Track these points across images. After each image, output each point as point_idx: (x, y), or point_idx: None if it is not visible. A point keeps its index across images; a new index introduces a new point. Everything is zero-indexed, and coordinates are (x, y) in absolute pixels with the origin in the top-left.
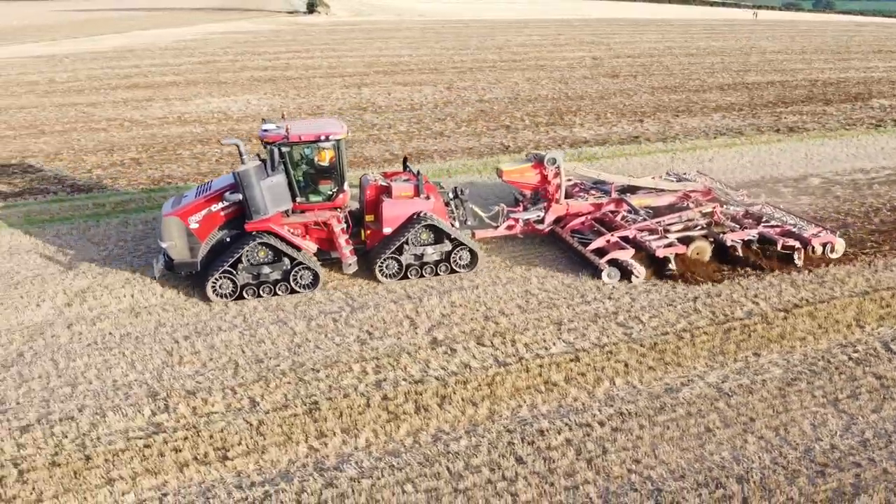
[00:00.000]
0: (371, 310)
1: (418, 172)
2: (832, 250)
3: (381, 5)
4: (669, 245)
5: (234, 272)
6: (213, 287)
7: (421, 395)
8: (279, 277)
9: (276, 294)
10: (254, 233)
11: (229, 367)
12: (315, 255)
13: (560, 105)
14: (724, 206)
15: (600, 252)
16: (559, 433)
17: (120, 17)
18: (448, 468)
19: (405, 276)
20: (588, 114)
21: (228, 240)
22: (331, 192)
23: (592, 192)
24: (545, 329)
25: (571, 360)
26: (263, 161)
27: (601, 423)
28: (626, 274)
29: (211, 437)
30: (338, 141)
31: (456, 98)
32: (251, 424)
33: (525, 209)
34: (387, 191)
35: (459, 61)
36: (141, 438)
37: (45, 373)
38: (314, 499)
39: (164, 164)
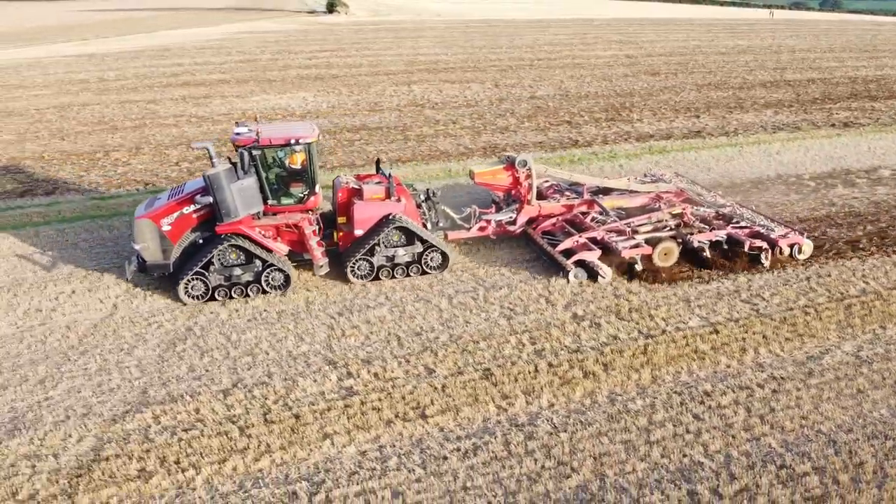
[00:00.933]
0: (504, 289)
1: (389, 175)
2: (800, 251)
3: (396, 5)
4: (636, 246)
5: (206, 274)
6: (185, 288)
7: (583, 362)
8: (251, 279)
9: (247, 295)
10: (225, 235)
11: (392, 339)
12: (287, 256)
13: (612, 102)
14: (695, 208)
15: (569, 253)
16: (723, 395)
17: (142, 17)
18: (634, 424)
19: (377, 278)
20: (642, 110)
21: (201, 242)
22: (302, 195)
23: (567, 193)
24: (675, 306)
25: (711, 333)
26: (234, 164)
27: (760, 386)
28: (592, 274)
29: (403, 398)
30: (308, 144)
31: (507, 95)
32: (435, 388)
33: (497, 211)
34: (358, 193)
35: (496, 60)
36: (339, 399)
37: (220, 344)
38: (521, 448)
39: None
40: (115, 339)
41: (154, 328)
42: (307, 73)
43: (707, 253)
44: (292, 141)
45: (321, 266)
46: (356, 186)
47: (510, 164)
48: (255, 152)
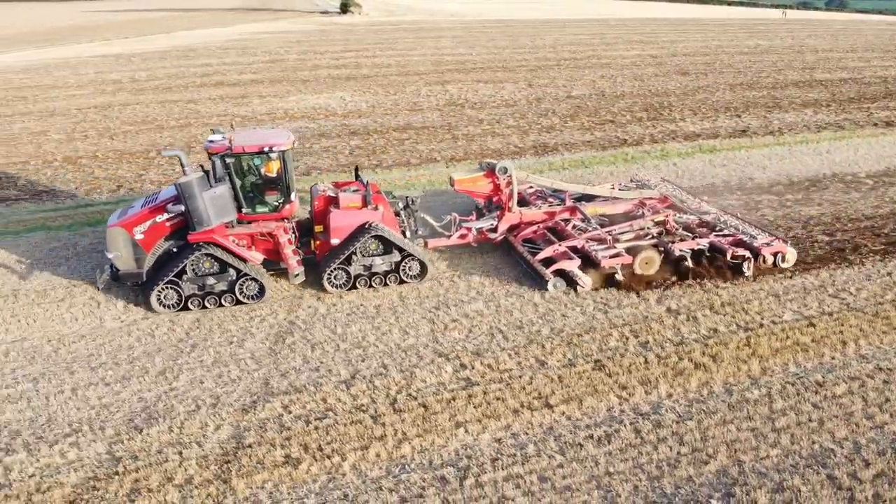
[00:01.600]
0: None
1: (367, 183)
2: (783, 260)
3: (407, 5)
4: (616, 255)
5: (179, 283)
6: (158, 297)
7: (690, 354)
8: (225, 288)
9: (221, 305)
10: (198, 244)
11: (495, 332)
12: (263, 264)
13: (650, 101)
14: (678, 215)
15: (549, 261)
16: (836, 385)
17: (156, 18)
18: (756, 412)
19: (353, 287)
20: (682, 109)
21: (175, 250)
22: (277, 203)
23: (551, 199)
24: (766, 300)
25: (808, 326)
26: (207, 172)
27: (870, 377)
28: (571, 284)
29: (524, 388)
30: (283, 152)
31: (543, 95)
32: (552, 379)
33: (478, 218)
34: (335, 201)
35: (523, 60)
36: (461, 390)
37: (327, 338)
38: (653, 436)
39: (303, 157)
40: (221, 333)
41: (257, 322)
42: (338, 73)
43: (688, 262)
44: (266, 148)
45: (296, 275)
46: (333, 194)
47: (490, 171)
48: (228, 160)
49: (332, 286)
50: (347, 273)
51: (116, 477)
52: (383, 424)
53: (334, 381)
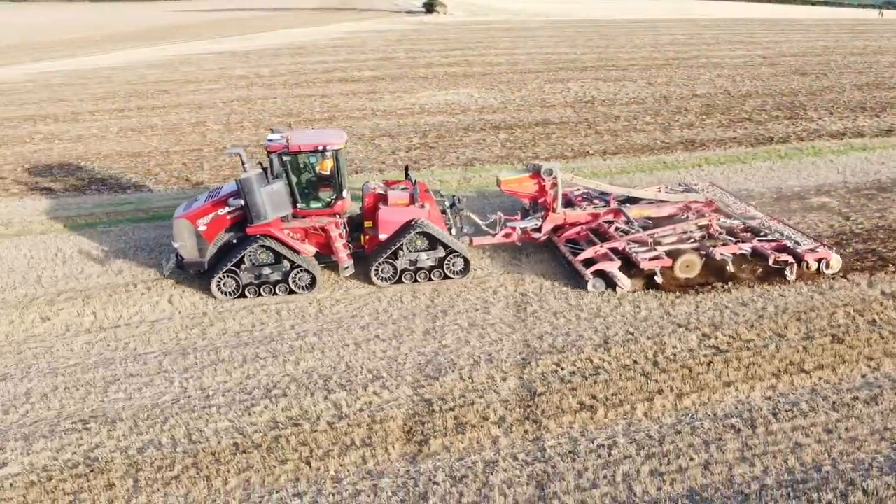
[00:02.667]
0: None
1: (415, 182)
2: (827, 266)
3: (488, 5)
4: (655, 258)
5: (238, 272)
6: (218, 285)
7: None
8: (279, 278)
9: (275, 294)
10: (255, 236)
11: (722, 308)
12: (315, 257)
13: (779, 101)
14: (722, 219)
15: (590, 262)
16: None
17: (247, 18)
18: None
19: (399, 280)
20: (816, 108)
21: (234, 242)
22: (329, 199)
23: (596, 201)
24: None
25: None
26: (265, 169)
27: None
28: (611, 284)
29: (773, 355)
30: (336, 151)
31: (669, 93)
32: (797, 349)
33: (523, 217)
34: (384, 198)
35: (629, 59)
36: (714, 355)
37: (564, 308)
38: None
39: (459, 149)
40: (462, 302)
41: (491, 293)
42: (453, 70)
43: (730, 266)
44: (320, 147)
45: (346, 268)
46: (382, 192)
47: (536, 173)
48: (284, 158)
49: (379, 279)
50: (394, 267)
51: (437, 414)
52: (656, 381)
53: (590, 344)
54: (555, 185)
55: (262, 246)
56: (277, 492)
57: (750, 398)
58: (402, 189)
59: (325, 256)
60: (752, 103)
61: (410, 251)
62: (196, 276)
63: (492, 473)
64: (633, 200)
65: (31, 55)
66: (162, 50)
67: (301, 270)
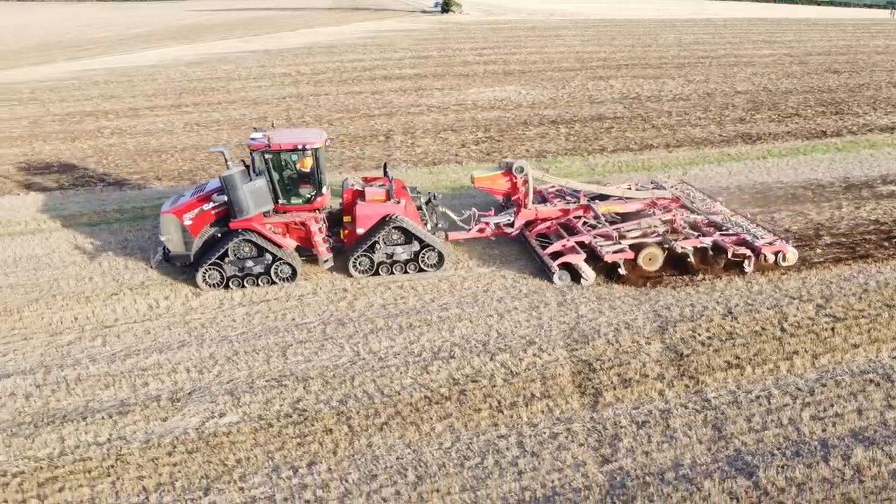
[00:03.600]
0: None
1: (392, 178)
2: (784, 259)
3: (502, 5)
4: (619, 251)
5: (222, 264)
6: (203, 277)
7: None
8: (261, 270)
9: (257, 285)
10: (238, 230)
11: (825, 284)
12: (296, 250)
13: (820, 97)
14: (686, 214)
15: (558, 255)
16: None
17: (267, 17)
18: None
19: (376, 273)
20: (859, 104)
21: (219, 235)
22: (309, 196)
23: (569, 198)
24: None
25: None
26: (248, 166)
27: None
28: (576, 277)
29: (890, 321)
30: (315, 150)
31: (710, 90)
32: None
33: (496, 213)
34: (362, 195)
35: (659, 57)
36: (836, 322)
37: (589, 298)
38: None
39: (525, 142)
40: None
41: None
42: (491, 68)
43: (691, 259)
44: (300, 146)
45: (325, 261)
46: (360, 189)
47: (508, 170)
48: (266, 156)
49: (357, 272)
50: (371, 260)
51: (599, 371)
52: (789, 343)
53: (717, 314)
54: (526, 181)
55: (245, 240)
56: (482, 434)
57: (879, 357)
58: (380, 186)
59: (306, 250)
60: (794, 100)
61: (387, 245)
62: (181, 268)
63: (669, 419)
64: (604, 198)
65: (63, 53)
66: (193, 48)
67: (282, 263)
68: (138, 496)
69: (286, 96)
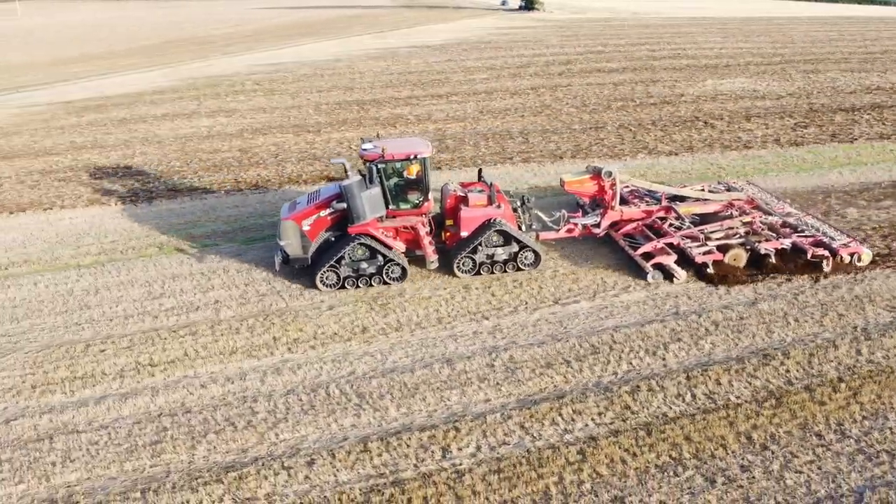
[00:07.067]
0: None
1: (491, 184)
2: (859, 259)
3: (577, 5)
4: (708, 252)
5: (338, 267)
6: (321, 278)
7: None
8: (374, 271)
9: (370, 285)
10: (355, 234)
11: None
12: (404, 253)
13: None
14: (763, 216)
15: (648, 255)
16: None
17: (358, 16)
18: None
19: (478, 273)
20: None
21: (333, 239)
22: (417, 201)
23: (647, 199)
24: None
25: None
26: (363, 175)
27: None
28: (668, 276)
29: None
30: (424, 159)
31: (889, 87)
32: None
33: (583, 214)
34: (464, 200)
35: (799, 54)
36: None
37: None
38: None
39: (831, 125)
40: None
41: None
42: (686, 63)
43: (773, 260)
44: (412, 156)
45: (432, 262)
46: (462, 194)
47: (596, 174)
48: (380, 166)
49: (461, 272)
50: (474, 261)
51: None
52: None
53: None
54: (613, 185)
55: (361, 243)
56: None
57: None
58: (479, 191)
59: (411, 252)
60: None
61: (488, 247)
62: (300, 270)
63: None
64: (680, 199)
65: (220, 49)
66: (344, 44)
67: (394, 264)
68: None
69: (528, 88)
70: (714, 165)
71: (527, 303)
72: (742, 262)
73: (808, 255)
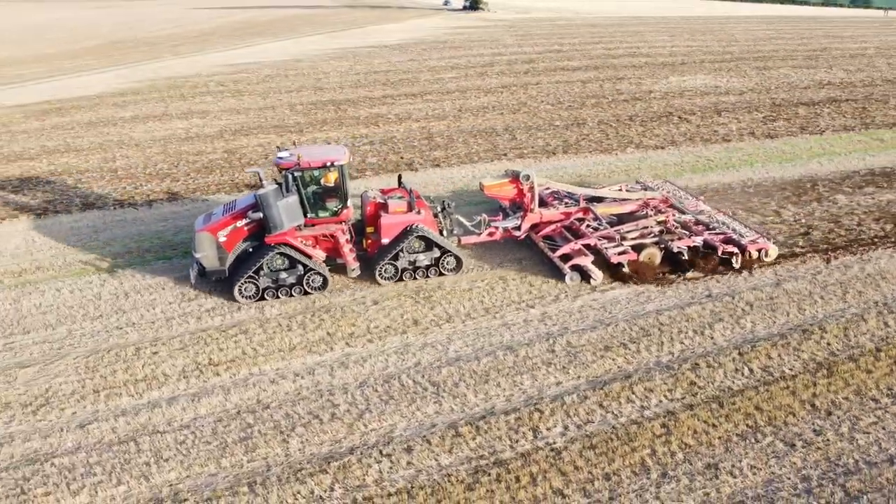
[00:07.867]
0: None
1: (410, 190)
2: (766, 255)
3: (520, 5)
4: (623, 252)
5: (257, 278)
6: (239, 290)
7: None
8: (294, 281)
9: (291, 296)
10: (273, 244)
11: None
12: (324, 261)
13: None
14: (676, 215)
15: (566, 257)
16: None
17: (311, 15)
18: None
19: (400, 279)
20: None
21: (251, 250)
22: (336, 209)
23: (567, 201)
24: None
25: None
26: (279, 184)
27: None
28: (585, 277)
29: None
30: (341, 166)
31: (839, 81)
32: None
33: (504, 218)
34: (384, 206)
35: (748, 52)
36: None
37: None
38: None
39: (798, 119)
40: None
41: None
42: (641, 60)
43: (686, 257)
44: (328, 163)
45: (353, 269)
46: (382, 201)
47: (515, 178)
48: (296, 174)
49: (383, 278)
50: (396, 267)
51: None
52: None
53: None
54: (531, 188)
55: (279, 253)
56: None
57: None
58: (399, 198)
59: (332, 260)
60: None
61: (410, 253)
62: (216, 282)
63: None
64: (598, 199)
65: (169, 50)
66: (298, 44)
67: (314, 273)
68: None
69: (498, 87)
70: (702, 158)
71: (566, 291)
72: (657, 261)
73: (719, 252)
